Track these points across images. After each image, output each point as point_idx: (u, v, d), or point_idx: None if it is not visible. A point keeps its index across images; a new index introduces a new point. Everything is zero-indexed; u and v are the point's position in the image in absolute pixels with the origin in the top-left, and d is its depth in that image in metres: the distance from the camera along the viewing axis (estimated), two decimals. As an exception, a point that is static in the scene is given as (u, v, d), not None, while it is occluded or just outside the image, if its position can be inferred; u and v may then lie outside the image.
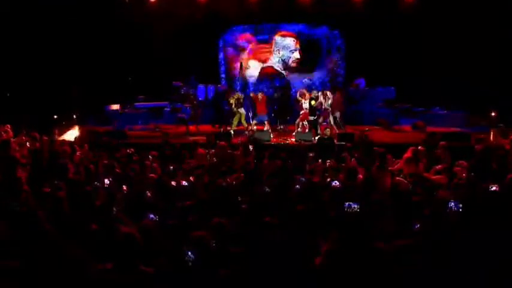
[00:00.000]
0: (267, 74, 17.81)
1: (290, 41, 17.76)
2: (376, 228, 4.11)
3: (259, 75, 17.82)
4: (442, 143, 8.63)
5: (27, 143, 8.85)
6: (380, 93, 15.61)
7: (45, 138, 9.46)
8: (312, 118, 12.53)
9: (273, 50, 17.89)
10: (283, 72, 17.79)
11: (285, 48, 17.83)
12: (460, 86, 13.59)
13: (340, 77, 16.90)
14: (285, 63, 17.85)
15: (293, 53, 17.75)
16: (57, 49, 14.09)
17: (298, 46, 17.72)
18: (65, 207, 4.55)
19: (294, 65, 17.76)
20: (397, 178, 6.65)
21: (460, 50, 13.66)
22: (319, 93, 13.01)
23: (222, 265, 3.22)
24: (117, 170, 7.09)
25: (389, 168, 7.39)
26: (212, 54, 17.15)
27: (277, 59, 17.93)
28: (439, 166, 7.75)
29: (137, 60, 15.36)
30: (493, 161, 7.33)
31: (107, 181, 6.05)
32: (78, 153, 8.67)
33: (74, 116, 14.41)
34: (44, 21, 13.78)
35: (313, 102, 12.52)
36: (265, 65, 17.94)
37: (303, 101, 12.82)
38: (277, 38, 17.84)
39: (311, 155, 9.28)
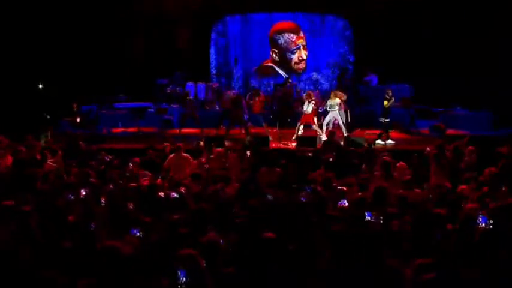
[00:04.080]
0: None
1: (287, 38, 16.39)
2: (392, 245, 4.10)
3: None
4: (470, 147, 8.62)
5: None
6: (394, 92, 15.56)
7: (6, 141, 9.30)
8: (382, 120, 12.65)
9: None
10: (284, 75, 16.31)
11: (282, 49, 16.49)
12: (484, 82, 13.61)
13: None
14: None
15: (294, 53, 16.46)
16: (25, 43, 14.03)
17: (301, 42, 16.35)
18: (33, 224, 4.46)
19: (301, 66, 16.49)
20: (416, 190, 6.64)
21: (483, 44, 13.70)
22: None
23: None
24: (94, 180, 7.03)
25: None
26: (202, 48, 17.06)
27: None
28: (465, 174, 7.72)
29: (117, 55, 15.33)
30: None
31: (83, 192, 5.99)
32: (49, 161, 8.60)
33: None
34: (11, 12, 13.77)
35: (385, 102, 12.58)
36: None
37: (305, 102, 12.86)
38: (273, 35, 16.44)
39: (310, 154, 9.35)
